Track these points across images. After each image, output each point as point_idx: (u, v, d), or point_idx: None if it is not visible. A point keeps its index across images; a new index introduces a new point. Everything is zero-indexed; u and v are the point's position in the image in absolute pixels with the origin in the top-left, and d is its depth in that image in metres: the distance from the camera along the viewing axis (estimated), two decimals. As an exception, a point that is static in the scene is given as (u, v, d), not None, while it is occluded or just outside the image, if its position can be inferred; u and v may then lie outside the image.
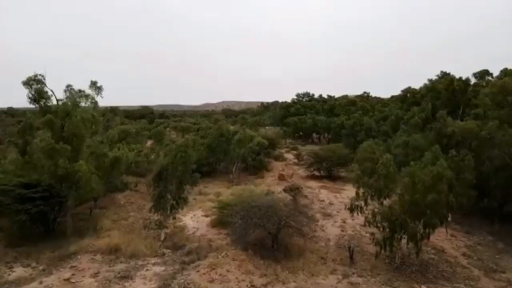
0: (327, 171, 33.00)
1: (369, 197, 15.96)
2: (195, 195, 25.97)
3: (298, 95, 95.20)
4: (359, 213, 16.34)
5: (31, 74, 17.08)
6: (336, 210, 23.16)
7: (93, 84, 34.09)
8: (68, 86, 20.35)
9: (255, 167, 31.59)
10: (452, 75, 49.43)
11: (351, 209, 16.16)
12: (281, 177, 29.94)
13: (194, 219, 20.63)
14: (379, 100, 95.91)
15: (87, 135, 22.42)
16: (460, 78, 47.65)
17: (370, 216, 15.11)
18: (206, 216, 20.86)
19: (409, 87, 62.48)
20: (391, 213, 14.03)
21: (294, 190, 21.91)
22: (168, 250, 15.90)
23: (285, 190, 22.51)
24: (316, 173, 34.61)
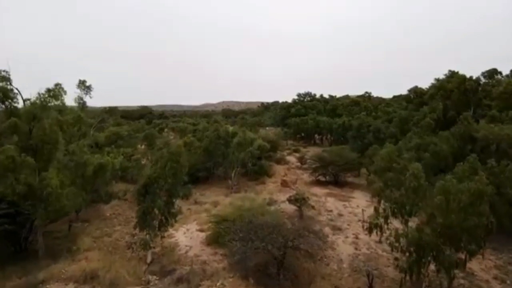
0: (333, 176, 30.63)
1: (390, 214, 13.65)
2: (190, 204, 23.63)
3: (299, 95, 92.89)
4: (378, 233, 13.99)
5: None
6: (347, 223, 20.79)
7: (82, 83, 31.82)
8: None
9: (256, 172, 29.22)
10: (463, 74, 47.13)
11: (370, 229, 13.75)
12: (284, 184, 27.58)
13: (187, 235, 18.25)
14: (381, 100, 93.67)
15: (66, 140, 20.07)
16: (471, 77, 45.34)
17: (393, 239, 12.73)
18: (201, 230, 18.49)
19: (416, 87, 60.15)
20: (420, 237, 11.66)
21: (299, 201, 19.54)
22: (155, 277, 13.52)
23: (289, 201, 20.15)
24: (321, 178, 32.26)
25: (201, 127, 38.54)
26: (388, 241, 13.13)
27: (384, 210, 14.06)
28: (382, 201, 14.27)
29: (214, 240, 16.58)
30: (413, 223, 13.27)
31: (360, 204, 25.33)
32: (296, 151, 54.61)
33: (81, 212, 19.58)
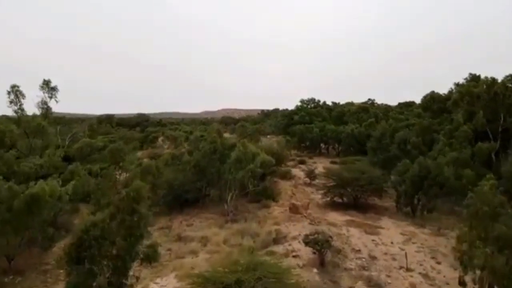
0: (353, 198, 24.99)
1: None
2: (171, 241, 17.96)
3: (302, 101, 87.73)
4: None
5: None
6: (386, 272, 15.07)
7: (46, 84, 26.49)
8: None
9: (259, 193, 23.54)
10: (490, 77, 41.86)
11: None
12: (294, 209, 21.94)
13: (161, 297, 12.59)
14: (387, 107, 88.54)
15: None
16: (502, 81, 40.06)
17: None
18: (182, 289, 12.83)
19: (433, 92, 54.98)
20: None
21: (321, 244, 13.89)
22: None
23: (306, 243, 14.49)
24: (337, 198, 26.56)
25: (193, 137, 32.92)
26: None
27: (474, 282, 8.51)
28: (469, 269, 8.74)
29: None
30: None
31: (394, 238, 19.66)
32: (302, 162, 49.03)
33: (14, 260, 13.93)
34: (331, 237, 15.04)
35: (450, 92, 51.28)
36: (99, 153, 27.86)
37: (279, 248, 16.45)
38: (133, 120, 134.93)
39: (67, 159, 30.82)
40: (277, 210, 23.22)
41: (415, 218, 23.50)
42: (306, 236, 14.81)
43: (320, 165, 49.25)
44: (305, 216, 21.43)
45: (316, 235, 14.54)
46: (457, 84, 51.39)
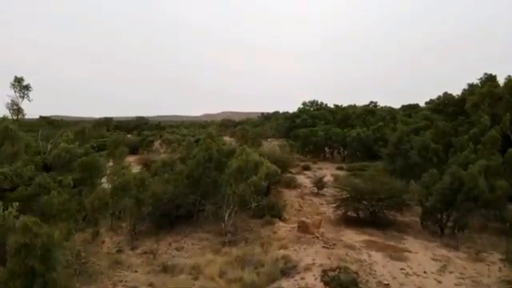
0: (370, 212, 21.67)
1: None
2: (155, 273, 14.56)
3: (304, 103, 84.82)
4: None
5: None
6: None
7: (17, 81, 23.27)
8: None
9: (263, 209, 20.14)
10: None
11: None
12: (304, 227, 18.58)
13: None
14: (390, 109, 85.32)
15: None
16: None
17: None
18: None
19: (446, 93, 51.87)
20: None
21: (345, 287, 10.52)
22: None
23: (326, 283, 11.12)
24: (351, 212, 23.20)
25: (186, 142, 29.45)
26: None
27: None
28: None
29: None
30: None
31: (425, 265, 16.22)
32: (306, 168, 45.77)
33: None
34: (357, 273, 11.67)
35: (464, 93, 48.13)
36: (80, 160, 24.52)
37: (289, 284, 13.08)
38: (132, 123, 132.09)
39: (47, 168, 27.51)
40: (283, 228, 19.84)
41: (444, 237, 20.18)
42: (325, 272, 11.48)
43: (326, 171, 46.00)
44: (317, 237, 18.07)
45: (337, 272, 11.18)
46: (470, 85, 48.23)
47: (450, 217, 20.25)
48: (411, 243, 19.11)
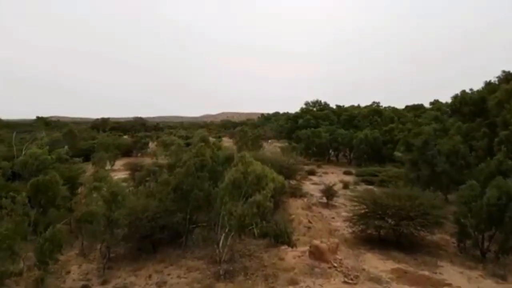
0: (394, 231, 18.06)
1: None
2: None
3: (307, 103, 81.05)
4: None
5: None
6: None
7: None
8: None
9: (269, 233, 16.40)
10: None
11: None
12: (317, 254, 15.00)
13: None
14: (395, 110, 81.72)
15: None
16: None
17: None
18: None
19: (464, 91, 48.17)
20: None
21: None
22: None
23: None
24: (370, 229, 19.55)
25: (174, 147, 25.61)
26: None
27: None
28: None
29: None
30: None
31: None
32: (311, 173, 42.13)
33: None
34: None
35: (482, 91, 44.59)
36: (52, 168, 21.02)
37: None
38: (129, 124, 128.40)
39: (14, 176, 23.96)
40: (291, 254, 16.23)
41: (486, 262, 16.58)
42: None
43: (333, 176, 42.45)
44: (334, 267, 14.46)
45: None
46: (488, 83, 44.72)
47: (492, 239, 16.71)
48: (449, 272, 15.47)
